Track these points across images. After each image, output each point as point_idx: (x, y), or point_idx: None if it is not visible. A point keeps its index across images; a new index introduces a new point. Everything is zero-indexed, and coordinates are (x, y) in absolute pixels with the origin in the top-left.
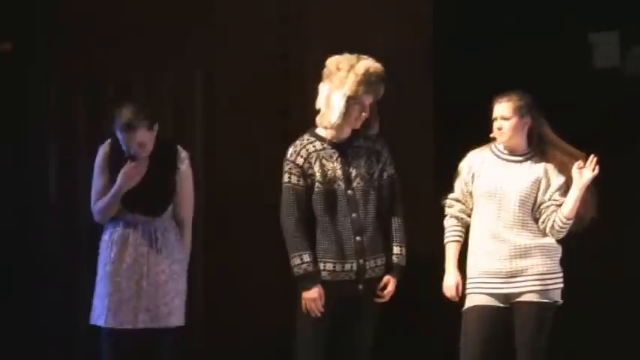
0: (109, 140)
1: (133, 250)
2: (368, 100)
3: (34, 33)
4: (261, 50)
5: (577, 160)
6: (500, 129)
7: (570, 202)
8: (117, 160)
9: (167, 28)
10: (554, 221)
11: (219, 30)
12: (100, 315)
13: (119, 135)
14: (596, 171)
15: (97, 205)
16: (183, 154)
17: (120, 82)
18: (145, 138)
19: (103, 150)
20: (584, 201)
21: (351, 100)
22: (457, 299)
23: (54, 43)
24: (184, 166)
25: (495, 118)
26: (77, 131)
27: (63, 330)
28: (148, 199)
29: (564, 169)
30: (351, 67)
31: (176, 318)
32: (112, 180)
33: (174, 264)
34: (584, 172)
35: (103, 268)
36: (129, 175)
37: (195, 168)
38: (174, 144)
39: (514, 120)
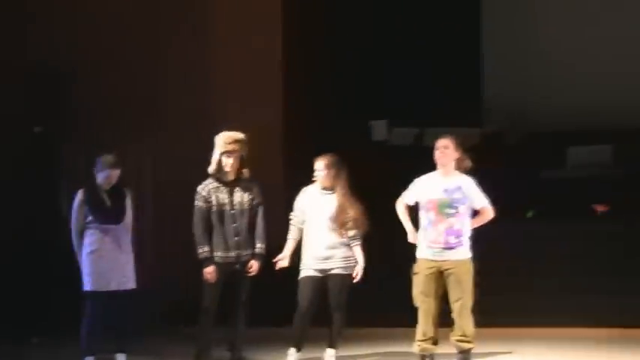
0: (82, 189)
1: (106, 245)
2: (231, 156)
3: (60, 120)
4: (190, 137)
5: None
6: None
7: None
8: (88, 201)
9: (138, 115)
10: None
11: (163, 124)
12: (88, 283)
13: (104, 171)
14: None
15: (73, 233)
16: (128, 191)
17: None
18: (117, 173)
19: (79, 195)
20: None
21: (221, 156)
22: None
23: (74, 126)
24: (128, 198)
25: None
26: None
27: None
28: (115, 215)
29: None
30: (219, 138)
31: (131, 283)
32: (86, 215)
33: (129, 253)
34: None
35: (86, 256)
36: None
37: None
38: (123, 187)
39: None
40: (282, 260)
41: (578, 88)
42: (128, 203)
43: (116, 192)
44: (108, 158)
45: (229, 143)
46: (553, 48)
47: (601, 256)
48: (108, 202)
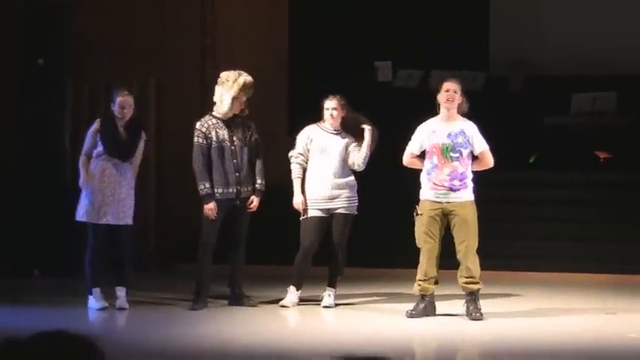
0: (99, 119)
1: (107, 178)
2: (245, 97)
3: (58, 54)
4: (192, 73)
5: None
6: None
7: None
8: (103, 131)
9: (140, 53)
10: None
11: (167, 62)
12: (83, 214)
13: (116, 99)
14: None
15: (81, 159)
16: (144, 133)
17: (109, 85)
18: (130, 101)
19: (95, 125)
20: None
21: (234, 99)
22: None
23: (72, 57)
24: (143, 138)
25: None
26: (82, 114)
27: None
28: (124, 152)
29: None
30: (235, 80)
31: (128, 219)
32: (97, 143)
33: (130, 189)
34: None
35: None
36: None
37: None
38: (140, 125)
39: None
40: (302, 204)
41: (585, 35)
42: (142, 143)
43: (133, 128)
44: (120, 88)
45: (251, 87)
46: None
47: (603, 203)
48: (123, 136)
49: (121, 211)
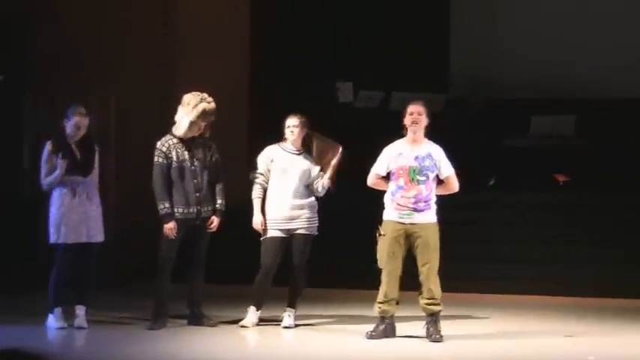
0: (50, 140)
1: (78, 197)
2: (204, 123)
3: (19, 71)
4: (153, 92)
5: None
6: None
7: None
8: (58, 151)
9: (101, 71)
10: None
11: (127, 80)
12: (58, 236)
13: (71, 118)
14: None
15: (47, 179)
16: (97, 145)
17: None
18: (85, 122)
19: (48, 147)
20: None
21: (192, 124)
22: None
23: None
24: (97, 152)
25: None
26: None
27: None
28: (84, 167)
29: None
30: (195, 105)
31: (99, 236)
32: (55, 165)
33: (98, 206)
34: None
35: (57, 210)
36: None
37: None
38: (93, 141)
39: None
40: (262, 224)
41: (545, 58)
42: (96, 157)
43: (86, 144)
44: (77, 107)
45: (211, 114)
46: (520, 17)
47: (560, 225)
48: (77, 154)
49: (92, 227)
